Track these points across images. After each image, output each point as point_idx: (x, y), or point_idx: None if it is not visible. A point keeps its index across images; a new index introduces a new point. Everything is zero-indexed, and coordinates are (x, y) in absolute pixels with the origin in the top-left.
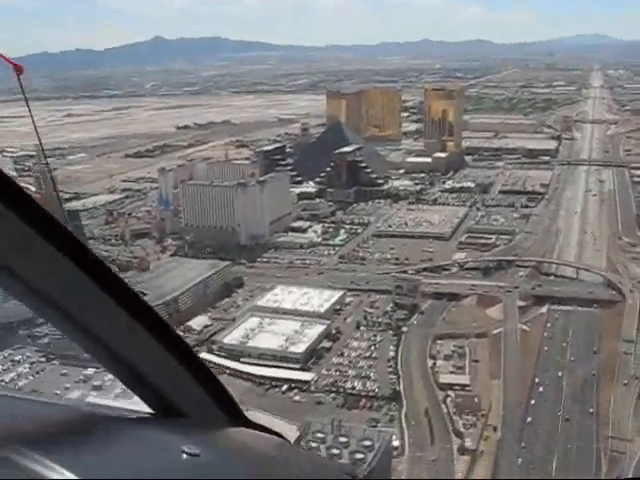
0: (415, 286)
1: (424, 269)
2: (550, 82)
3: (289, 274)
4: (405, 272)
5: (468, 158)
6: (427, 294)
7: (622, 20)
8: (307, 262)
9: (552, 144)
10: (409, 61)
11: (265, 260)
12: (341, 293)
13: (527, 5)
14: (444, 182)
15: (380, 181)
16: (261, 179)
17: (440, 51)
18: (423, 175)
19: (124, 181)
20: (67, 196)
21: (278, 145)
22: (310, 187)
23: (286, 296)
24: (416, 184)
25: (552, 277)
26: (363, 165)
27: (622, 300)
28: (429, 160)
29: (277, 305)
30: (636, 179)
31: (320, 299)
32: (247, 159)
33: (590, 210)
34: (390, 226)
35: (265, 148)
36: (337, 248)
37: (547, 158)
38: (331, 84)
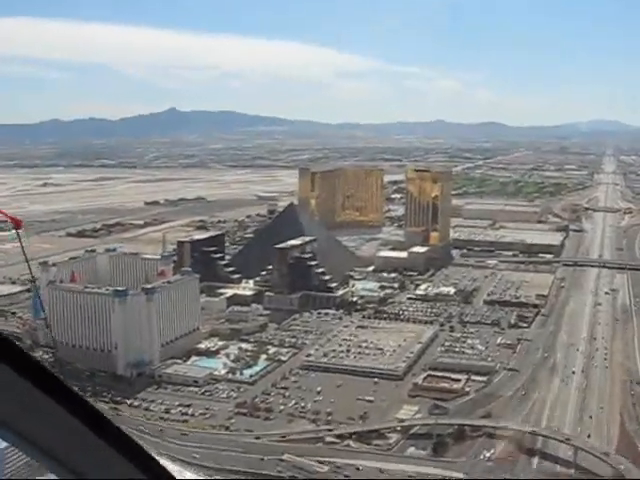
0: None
1: (351, 434)
2: (561, 165)
3: (152, 432)
4: (321, 439)
5: (455, 252)
6: None
7: (636, 107)
8: (190, 410)
9: (557, 238)
10: (421, 140)
11: (136, 404)
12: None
13: (542, 90)
14: (418, 285)
15: (333, 284)
16: (148, 286)
17: (454, 132)
18: (394, 275)
19: None
20: None
21: (214, 233)
22: (247, 289)
23: None
24: (382, 288)
25: (536, 458)
26: (313, 263)
27: None
28: (405, 255)
29: None
30: None
31: None
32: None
33: (599, 334)
34: (326, 354)
35: (196, 237)
36: (243, 387)
37: (549, 256)
38: (333, 160)
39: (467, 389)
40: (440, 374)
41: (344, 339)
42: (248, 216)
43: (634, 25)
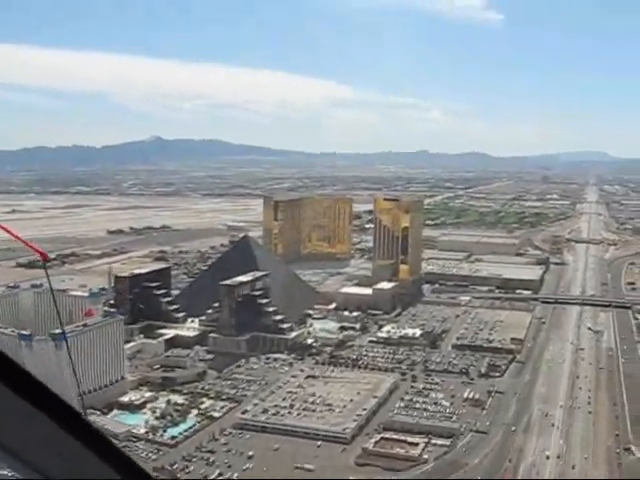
0: None
1: None
2: (543, 195)
3: None
4: None
5: (427, 287)
6: None
7: (619, 138)
8: None
9: (536, 272)
10: (404, 170)
11: None
12: None
13: (526, 120)
14: (381, 327)
15: (286, 325)
16: (57, 331)
17: (437, 162)
18: (357, 314)
19: None
20: None
21: (158, 267)
22: (191, 329)
23: None
24: (342, 329)
25: None
26: (264, 302)
27: None
28: (369, 292)
29: None
30: None
31: None
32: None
33: (582, 386)
34: (266, 410)
35: (138, 271)
36: (163, 450)
37: (527, 292)
38: (312, 189)
39: (425, 456)
40: (395, 436)
41: (289, 392)
42: (212, 247)
43: (622, 60)
